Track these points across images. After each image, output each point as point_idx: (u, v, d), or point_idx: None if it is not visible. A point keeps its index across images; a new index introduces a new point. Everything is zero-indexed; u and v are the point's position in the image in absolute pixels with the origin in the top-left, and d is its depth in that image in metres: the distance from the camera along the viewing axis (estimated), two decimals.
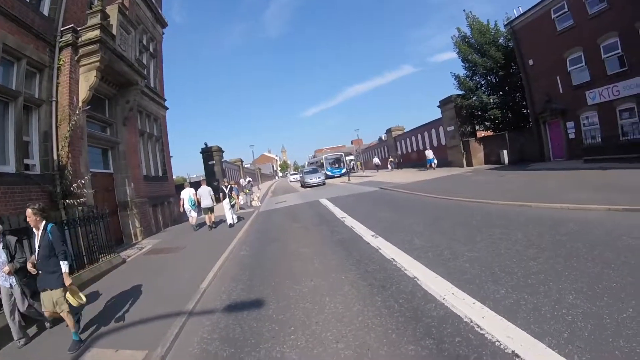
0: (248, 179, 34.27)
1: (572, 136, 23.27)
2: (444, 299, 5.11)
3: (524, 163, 26.13)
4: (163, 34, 23.42)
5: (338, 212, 15.36)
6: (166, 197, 19.95)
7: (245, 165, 68.54)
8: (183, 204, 16.83)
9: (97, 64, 12.39)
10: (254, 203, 25.40)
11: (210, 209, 16.78)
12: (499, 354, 3.67)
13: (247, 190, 27.34)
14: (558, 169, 19.55)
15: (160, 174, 20.33)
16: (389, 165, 48.18)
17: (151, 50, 21.33)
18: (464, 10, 31.41)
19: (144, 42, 20.24)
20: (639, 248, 5.94)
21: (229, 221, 16.80)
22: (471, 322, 4.37)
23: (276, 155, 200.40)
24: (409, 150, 47.58)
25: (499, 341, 3.87)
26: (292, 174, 60.19)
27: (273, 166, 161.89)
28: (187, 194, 16.83)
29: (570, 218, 8.69)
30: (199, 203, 16.85)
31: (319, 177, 39.62)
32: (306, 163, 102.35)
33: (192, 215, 16.86)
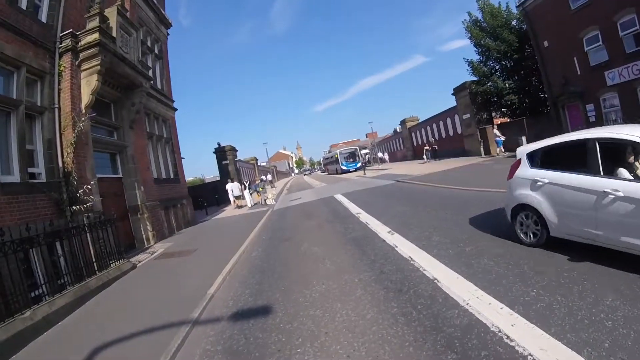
0: (261, 177, 34.23)
1: (592, 119, 22.20)
2: (467, 303, 4.56)
3: None
4: (168, 34, 23.10)
5: (353, 208, 14.88)
6: (179, 199, 19.64)
7: (261, 164, 68.18)
8: (228, 192, 27.12)
9: (98, 67, 12.18)
10: (268, 201, 25.04)
11: (239, 197, 27.15)
12: None
13: (261, 189, 26.93)
14: None
15: (172, 176, 20.05)
16: (424, 156, 38.57)
17: (156, 51, 21.07)
18: None
19: (149, 43, 19.98)
20: None
21: (249, 204, 25.61)
22: (499, 331, 3.84)
23: (291, 152, 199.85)
24: (435, 138, 43.57)
25: (531, 355, 3.35)
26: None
27: (289, 163, 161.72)
28: (229, 186, 27.31)
29: None
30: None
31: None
32: (322, 159, 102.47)
33: (232, 199, 27.18)
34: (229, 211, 25.34)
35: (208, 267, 9.26)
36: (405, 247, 7.63)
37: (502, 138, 28.57)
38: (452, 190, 14.81)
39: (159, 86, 20.53)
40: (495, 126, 30.42)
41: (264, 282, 7.39)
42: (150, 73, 18.52)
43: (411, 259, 6.79)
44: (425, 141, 44.74)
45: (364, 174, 38.54)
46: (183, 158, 22.24)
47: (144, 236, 14.98)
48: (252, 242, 12.08)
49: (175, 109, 22.13)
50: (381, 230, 9.78)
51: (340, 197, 19.77)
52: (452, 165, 26.54)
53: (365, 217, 12.28)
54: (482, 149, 31.40)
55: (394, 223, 10.32)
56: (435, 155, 37.42)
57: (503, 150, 28.47)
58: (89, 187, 10.98)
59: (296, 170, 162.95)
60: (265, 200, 25.54)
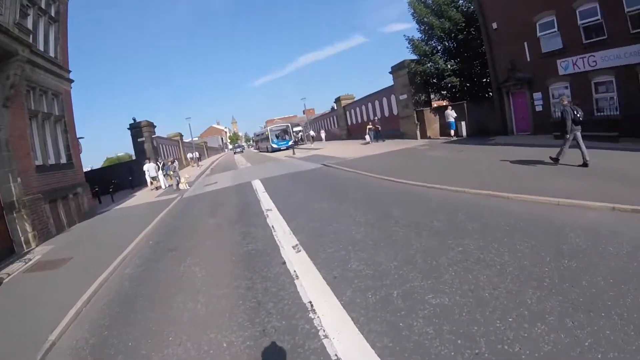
0: (170, 159, 31.75)
1: (539, 109, 21.18)
2: None
3: (484, 136, 24.03)
4: None
5: (265, 201, 12.94)
6: (71, 187, 16.69)
7: (190, 139, 62.82)
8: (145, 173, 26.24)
9: None
10: (181, 186, 22.68)
11: (155, 178, 26.02)
12: None
13: (172, 172, 24.13)
14: (525, 144, 17.49)
15: (64, 161, 16.95)
16: (366, 136, 34.63)
17: (52, 13, 17.75)
18: None
19: (42, 4, 16.75)
20: None
21: (163, 187, 25.05)
22: None
23: (225, 127, 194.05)
24: (378, 117, 38.86)
25: None
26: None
27: (222, 139, 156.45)
28: (146, 167, 26.31)
29: (568, 222, 6.32)
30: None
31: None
32: (254, 135, 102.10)
33: (149, 181, 26.36)
34: (138, 197, 23.10)
35: (69, 290, 7.13)
36: (309, 281, 5.53)
37: (455, 122, 26.53)
38: (380, 181, 13.15)
39: (51, 54, 17.34)
40: (450, 106, 28.08)
41: (115, 326, 5.40)
42: (41, 39, 15.94)
43: (312, 307, 4.67)
44: (367, 120, 41.36)
45: (293, 153, 36.78)
46: (82, 138, 19.44)
47: (23, 238, 12.28)
48: (136, 247, 9.99)
49: (72, 81, 18.84)
50: (286, 242, 7.73)
51: (257, 184, 17.83)
52: (385, 148, 25.08)
53: (274, 216, 10.34)
54: (418, 132, 29.89)
55: (305, 231, 8.35)
56: (378, 136, 34.15)
57: (456, 133, 26.51)
58: None
59: (230, 146, 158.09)
60: (177, 184, 23.03)
